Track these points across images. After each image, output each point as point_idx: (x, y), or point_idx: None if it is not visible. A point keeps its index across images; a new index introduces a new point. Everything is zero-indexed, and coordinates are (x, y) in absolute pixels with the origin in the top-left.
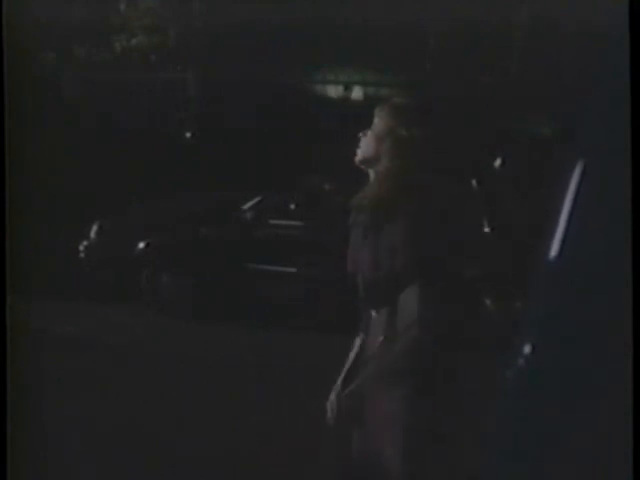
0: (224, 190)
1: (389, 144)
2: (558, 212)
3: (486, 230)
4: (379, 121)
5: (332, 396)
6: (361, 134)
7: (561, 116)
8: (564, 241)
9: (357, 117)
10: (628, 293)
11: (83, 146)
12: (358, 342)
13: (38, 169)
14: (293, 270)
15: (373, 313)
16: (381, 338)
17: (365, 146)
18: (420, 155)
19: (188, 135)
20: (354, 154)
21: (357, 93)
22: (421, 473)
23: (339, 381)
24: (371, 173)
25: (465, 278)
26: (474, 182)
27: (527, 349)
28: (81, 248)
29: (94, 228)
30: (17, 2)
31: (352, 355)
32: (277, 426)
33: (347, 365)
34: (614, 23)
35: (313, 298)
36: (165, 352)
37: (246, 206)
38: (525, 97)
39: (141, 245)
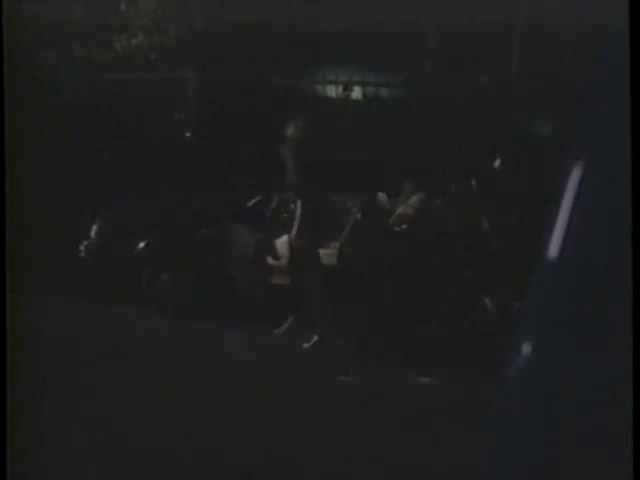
0: (224, 190)
1: None
2: (558, 212)
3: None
4: None
5: None
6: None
7: (561, 116)
8: (564, 241)
9: (357, 117)
10: (628, 293)
11: (83, 146)
12: None
13: (38, 169)
14: (293, 269)
15: None
16: None
17: None
18: None
19: (188, 135)
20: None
21: (357, 93)
22: None
23: None
24: None
25: None
26: (473, 182)
27: (527, 349)
28: (81, 248)
29: (94, 228)
30: (17, 2)
31: None
32: (277, 424)
33: None
34: (614, 23)
35: (314, 296)
36: (165, 352)
37: (246, 206)
38: (525, 97)
39: (141, 245)
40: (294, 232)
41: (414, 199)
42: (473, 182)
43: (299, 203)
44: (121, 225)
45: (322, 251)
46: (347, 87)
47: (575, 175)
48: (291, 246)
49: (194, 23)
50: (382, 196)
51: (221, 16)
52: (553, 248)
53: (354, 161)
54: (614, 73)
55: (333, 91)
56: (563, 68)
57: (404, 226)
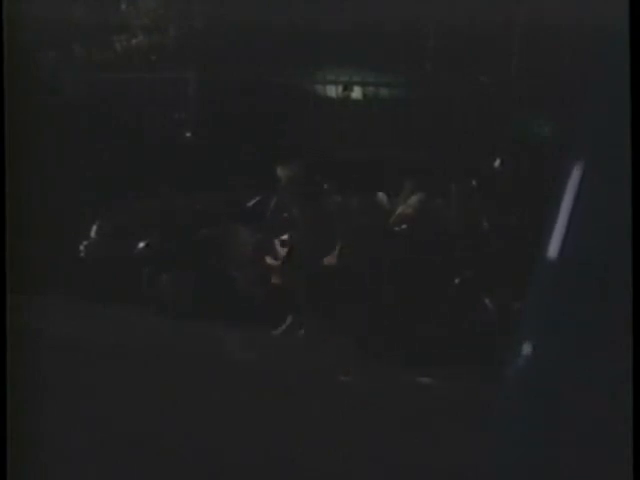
0: (224, 190)
1: None
2: (558, 212)
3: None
4: None
5: None
6: None
7: (561, 116)
8: (564, 241)
9: (357, 117)
10: (628, 293)
11: (83, 146)
12: None
13: (38, 169)
14: (293, 269)
15: None
16: None
17: None
18: None
19: (188, 135)
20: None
21: (357, 93)
22: None
23: None
24: None
25: None
26: (473, 182)
27: (527, 349)
28: (81, 248)
29: (94, 228)
30: (17, 2)
31: None
32: (277, 424)
33: None
34: (614, 23)
35: (314, 296)
36: (165, 352)
37: (246, 206)
38: (525, 97)
39: (141, 245)
40: (294, 232)
41: (414, 199)
42: (473, 182)
43: (299, 203)
44: (121, 225)
45: (322, 251)
46: (347, 87)
47: (575, 175)
48: (291, 246)
49: (194, 23)
50: (382, 196)
51: (221, 16)
52: (553, 248)
53: (354, 161)
54: (614, 73)
55: (333, 91)
56: (563, 68)
57: (404, 226)
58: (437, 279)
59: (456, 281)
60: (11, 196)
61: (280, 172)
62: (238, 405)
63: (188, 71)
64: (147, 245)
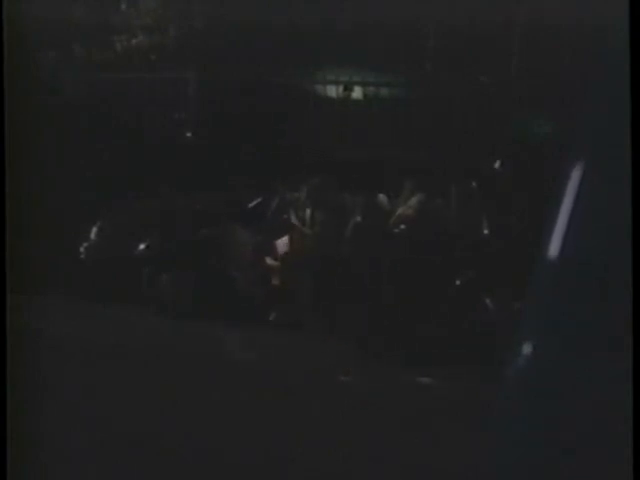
0: (224, 190)
1: None
2: (558, 212)
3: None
4: None
5: None
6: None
7: (561, 116)
8: (564, 241)
9: (357, 117)
10: (628, 293)
11: (83, 146)
12: None
13: (38, 169)
14: (293, 269)
15: None
16: None
17: None
18: None
19: (188, 135)
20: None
21: (357, 93)
22: None
23: None
24: None
25: None
26: (473, 182)
27: (527, 349)
28: (81, 248)
29: (94, 228)
30: (17, 2)
31: None
32: (277, 424)
33: None
34: (614, 23)
35: (314, 296)
36: (165, 352)
37: (246, 206)
38: (525, 97)
39: (141, 245)
40: (294, 232)
41: (414, 200)
42: (473, 182)
43: (299, 203)
44: (121, 225)
45: (322, 251)
46: (347, 87)
47: (575, 175)
48: (291, 246)
49: (194, 23)
50: (382, 197)
51: (221, 16)
52: (553, 248)
53: (354, 161)
54: (614, 73)
55: (333, 91)
56: (563, 68)
57: (404, 226)
58: (437, 279)
59: (456, 281)
60: (11, 196)
61: (280, 173)
62: (238, 405)
63: (188, 71)
64: (147, 245)
